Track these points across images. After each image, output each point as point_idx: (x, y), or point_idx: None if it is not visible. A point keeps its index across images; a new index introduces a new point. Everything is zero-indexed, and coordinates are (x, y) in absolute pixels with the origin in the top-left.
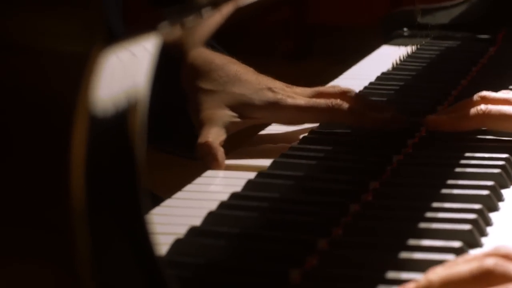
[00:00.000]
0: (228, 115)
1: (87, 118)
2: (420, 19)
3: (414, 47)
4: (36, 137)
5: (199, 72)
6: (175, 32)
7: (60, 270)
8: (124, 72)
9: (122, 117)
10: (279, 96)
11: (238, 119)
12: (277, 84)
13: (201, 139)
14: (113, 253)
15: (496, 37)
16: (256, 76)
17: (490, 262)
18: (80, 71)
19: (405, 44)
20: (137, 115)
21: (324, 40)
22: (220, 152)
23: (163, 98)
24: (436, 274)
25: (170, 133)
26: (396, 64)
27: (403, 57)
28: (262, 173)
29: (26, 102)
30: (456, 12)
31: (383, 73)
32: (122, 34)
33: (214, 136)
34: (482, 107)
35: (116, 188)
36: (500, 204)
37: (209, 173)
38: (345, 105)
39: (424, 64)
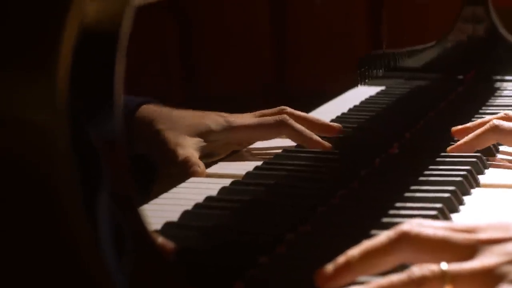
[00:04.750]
0: (194, 140)
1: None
2: (394, 61)
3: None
4: None
5: (152, 119)
6: None
7: None
8: None
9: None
10: (230, 119)
11: (204, 143)
12: (222, 113)
13: (180, 157)
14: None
15: (465, 77)
16: (201, 112)
17: (405, 226)
18: None
19: (380, 85)
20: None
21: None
22: (201, 162)
23: None
24: (354, 249)
25: None
26: (369, 98)
27: (376, 94)
28: (235, 181)
29: None
30: (428, 55)
31: (355, 106)
32: None
33: (191, 152)
34: (495, 121)
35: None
36: (461, 207)
37: (186, 183)
38: (291, 121)
39: (394, 99)
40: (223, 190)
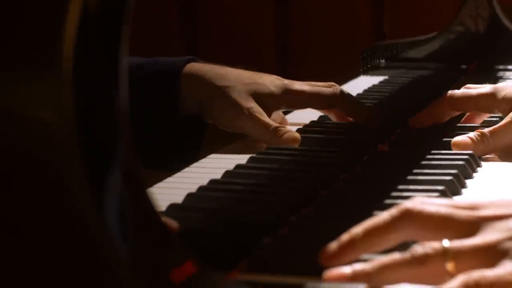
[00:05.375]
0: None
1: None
2: (397, 52)
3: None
4: None
5: (204, 75)
6: None
7: None
8: None
9: None
10: (287, 82)
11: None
12: (273, 75)
13: (267, 125)
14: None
15: (468, 67)
16: (254, 72)
17: (408, 204)
18: None
19: (382, 75)
20: None
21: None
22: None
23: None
24: (357, 227)
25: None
26: (372, 86)
27: (379, 83)
28: (239, 165)
29: None
30: (431, 45)
31: (358, 94)
32: None
33: (275, 120)
34: (448, 92)
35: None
36: (463, 190)
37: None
38: (347, 93)
39: (397, 87)
40: (227, 173)
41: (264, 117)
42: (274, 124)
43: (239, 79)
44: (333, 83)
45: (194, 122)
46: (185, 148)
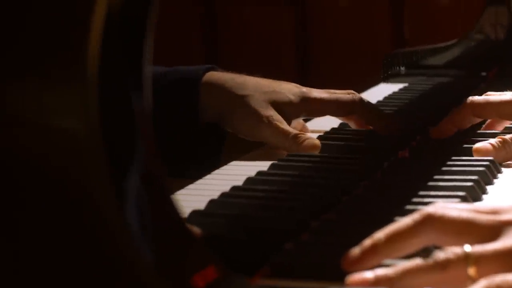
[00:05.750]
0: (278, 113)
1: None
2: (417, 59)
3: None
4: None
5: (224, 84)
6: None
7: None
8: None
9: None
10: (305, 90)
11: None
12: (294, 84)
13: (287, 132)
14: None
15: (488, 74)
16: (272, 80)
17: (429, 209)
18: None
19: (402, 82)
20: None
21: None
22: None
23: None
24: (379, 232)
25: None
26: (392, 93)
27: (399, 90)
28: (261, 172)
29: None
30: (451, 52)
31: (378, 101)
32: None
33: (295, 127)
34: (468, 98)
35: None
36: (484, 196)
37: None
38: (365, 100)
39: (417, 94)
40: (248, 180)
41: (283, 124)
42: (294, 131)
43: (258, 88)
44: (352, 91)
45: (214, 130)
46: (205, 156)
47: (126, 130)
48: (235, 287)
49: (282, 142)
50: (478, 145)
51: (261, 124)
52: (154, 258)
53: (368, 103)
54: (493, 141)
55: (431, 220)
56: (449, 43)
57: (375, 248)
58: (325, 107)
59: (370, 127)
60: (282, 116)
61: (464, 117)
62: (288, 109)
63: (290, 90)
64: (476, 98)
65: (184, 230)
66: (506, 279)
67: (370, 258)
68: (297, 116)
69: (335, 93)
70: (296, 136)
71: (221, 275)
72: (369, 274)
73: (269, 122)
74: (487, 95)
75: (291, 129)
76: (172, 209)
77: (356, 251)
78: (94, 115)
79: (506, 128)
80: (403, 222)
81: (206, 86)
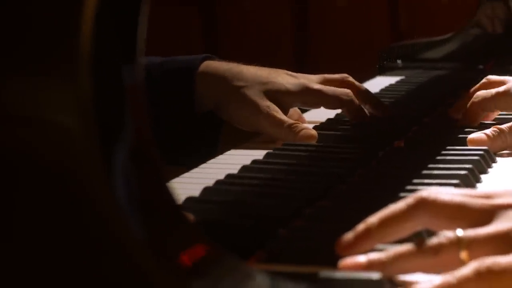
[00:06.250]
0: (274, 104)
1: None
2: (413, 52)
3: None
4: None
5: (221, 74)
6: None
7: None
8: None
9: None
10: (302, 80)
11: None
12: (288, 71)
13: (283, 122)
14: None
15: (485, 67)
16: (266, 68)
17: (423, 193)
18: None
19: (399, 75)
20: None
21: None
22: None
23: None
24: (373, 217)
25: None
26: (389, 85)
27: (395, 82)
28: (256, 160)
29: None
30: (448, 46)
31: (374, 93)
32: None
33: (291, 117)
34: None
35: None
36: (478, 185)
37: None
38: (355, 99)
39: (413, 87)
40: (243, 168)
41: (280, 114)
42: (290, 121)
43: (255, 78)
44: (347, 75)
45: (211, 119)
46: (202, 144)
47: (117, 109)
48: (228, 267)
49: (279, 132)
50: (473, 135)
51: (258, 114)
52: (145, 234)
53: (363, 91)
54: (488, 131)
55: (424, 204)
56: (445, 36)
57: (368, 232)
58: (321, 100)
59: (365, 118)
60: (278, 106)
61: (477, 111)
62: (285, 99)
63: (287, 79)
64: (480, 93)
65: (175, 209)
66: (497, 261)
67: (364, 242)
68: (293, 106)
69: (332, 79)
70: (292, 126)
71: (212, 254)
72: (362, 258)
73: (266, 113)
74: (487, 79)
75: (287, 118)
76: (163, 187)
77: (349, 235)
78: (88, 109)
79: (495, 119)
80: (396, 206)
81: (202, 76)
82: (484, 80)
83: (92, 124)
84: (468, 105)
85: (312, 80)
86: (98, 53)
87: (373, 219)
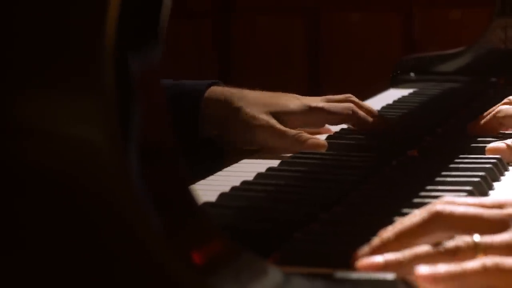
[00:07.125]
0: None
1: None
2: (426, 65)
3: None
4: None
5: (226, 98)
6: None
7: None
8: None
9: None
10: (305, 101)
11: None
12: (291, 94)
13: (287, 132)
14: None
15: (497, 81)
16: (269, 92)
17: (437, 206)
18: None
19: (412, 88)
20: None
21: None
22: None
23: None
24: (388, 230)
25: None
26: (402, 97)
27: (408, 94)
28: (271, 167)
29: None
30: (461, 59)
31: (387, 104)
32: None
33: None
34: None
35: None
36: (490, 192)
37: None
38: (359, 112)
39: (426, 99)
40: (259, 175)
41: (281, 126)
42: (293, 131)
43: (257, 100)
44: (350, 95)
45: (213, 145)
46: (203, 170)
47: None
48: (244, 262)
49: (284, 142)
50: (492, 144)
51: (259, 127)
52: (162, 227)
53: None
54: (509, 141)
55: (439, 218)
56: (458, 49)
57: (384, 247)
58: (324, 117)
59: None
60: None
61: (494, 125)
62: (288, 119)
63: (291, 101)
64: (503, 107)
65: (193, 205)
66: (506, 260)
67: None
68: (296, 126)
69: (333, 99)
70: (297, 136)
71: (228, 249)
72: (378, 258)
73: (265, 125)
74: (509, 99)
75: (289, 129)
76: (181, 184)
77: (365, 249)
78: (113, 124)
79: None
80: (411, 219)
81: (206, 101)
82: (505, 100)
83: (117, 135)
84: (489, 117)
85: (315, 101)
86: (122, 67)
87: (389, 233)
